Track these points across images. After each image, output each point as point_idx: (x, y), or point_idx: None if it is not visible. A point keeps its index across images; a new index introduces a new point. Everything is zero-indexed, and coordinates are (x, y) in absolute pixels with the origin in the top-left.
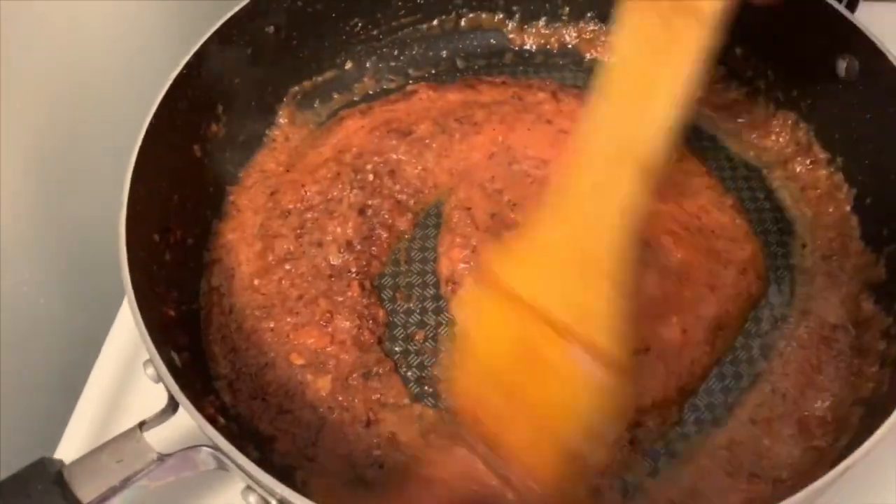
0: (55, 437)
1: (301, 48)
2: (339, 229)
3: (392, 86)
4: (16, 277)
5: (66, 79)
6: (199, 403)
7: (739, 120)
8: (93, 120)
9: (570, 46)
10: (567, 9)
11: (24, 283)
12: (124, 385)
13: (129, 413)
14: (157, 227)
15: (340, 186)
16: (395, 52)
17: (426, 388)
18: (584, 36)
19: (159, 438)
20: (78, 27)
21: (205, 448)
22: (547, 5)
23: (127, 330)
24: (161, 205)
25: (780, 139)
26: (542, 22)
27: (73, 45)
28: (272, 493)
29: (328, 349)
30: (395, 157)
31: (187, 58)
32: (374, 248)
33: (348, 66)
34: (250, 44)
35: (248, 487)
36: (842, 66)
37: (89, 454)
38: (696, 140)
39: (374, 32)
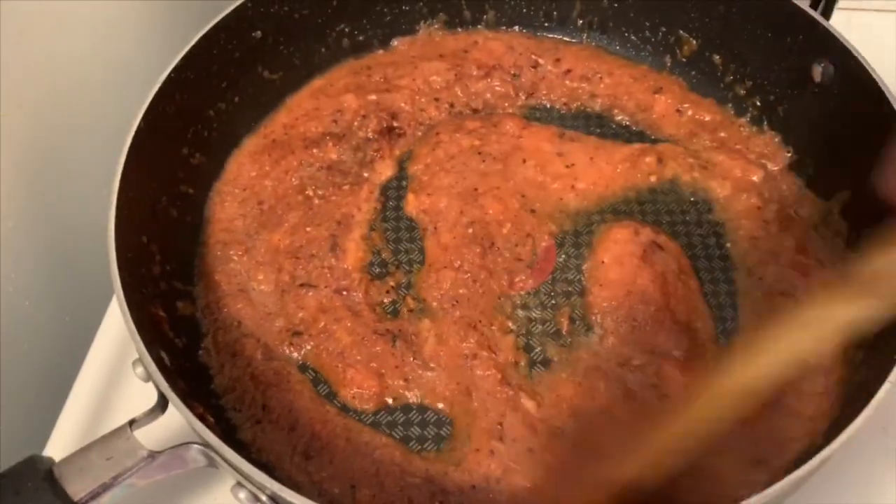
0: (44, 436)
1: (290, 52)
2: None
3: None
4: (3, 279)
5: (55, 83)
6: (188, 402)
7: (721, 134)
8: (82, 123)
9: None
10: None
11: (12, 284)
12: (112, 384)
13: (117, 412)
14: (145, 230)
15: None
16: None
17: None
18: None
19: (149, 436)
20: (66, 31)
21: (195, 445)
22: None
23: (115, 330)
24: (149, 207)
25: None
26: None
27: (61, 50)
28: (262, 489)
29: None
30: None
31: (175, 61)
32: None
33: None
34: (238, 48)
35: (239, 484)
36: (817, 71)
37: (79, 452)
38: None
39: (361, 39)
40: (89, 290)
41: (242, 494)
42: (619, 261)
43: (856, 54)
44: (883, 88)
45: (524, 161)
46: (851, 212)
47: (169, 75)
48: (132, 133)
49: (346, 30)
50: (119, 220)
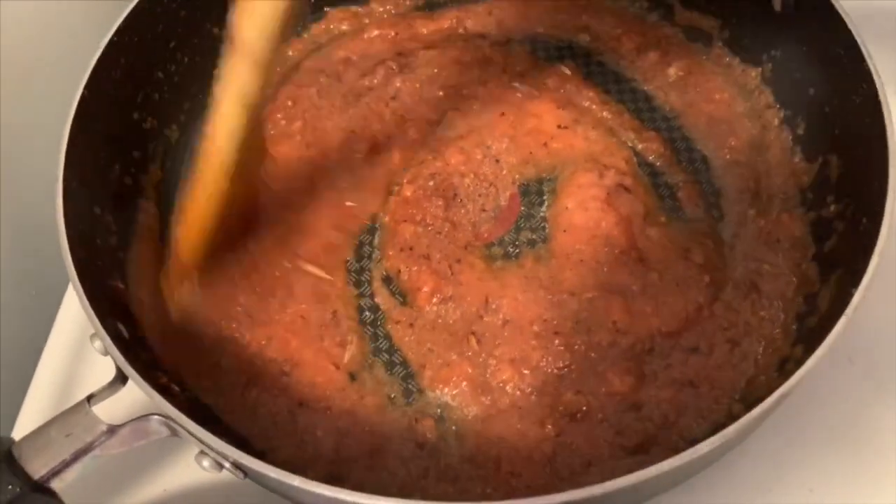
0: (12, 418)
1: None
2: None
3: None
4: None
5: None
6: (150, 372)
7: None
8: (28, 95)
9: None
10: None
11: None
12: (78, 360)
13: (85, 388)
14: (98, 200)
15: None
16: None
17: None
18: None
19: (110, 410)
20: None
21: (155, 416)
22: None
23: (77, 305)
24: (101, 177)
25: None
26: None
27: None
28: (225, 457)
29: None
30: None
31: (117, 24)
32: None
33: None
34: (183, 5)
35: (202, 452)
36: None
37: (38, 430)
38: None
39: None
40: (51, 268)
41: (206, 462)
42: (583, 205)
43: None
44: None
45: (502, 114)
46: None
47: (111, 39)
48: (76, 102)
49: None
50: (68, 193)
